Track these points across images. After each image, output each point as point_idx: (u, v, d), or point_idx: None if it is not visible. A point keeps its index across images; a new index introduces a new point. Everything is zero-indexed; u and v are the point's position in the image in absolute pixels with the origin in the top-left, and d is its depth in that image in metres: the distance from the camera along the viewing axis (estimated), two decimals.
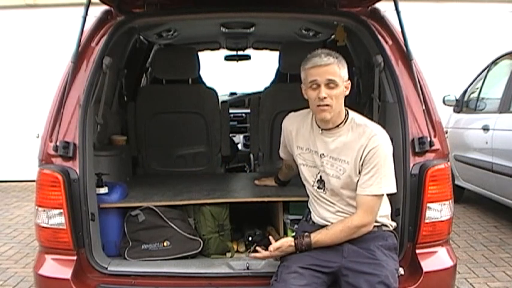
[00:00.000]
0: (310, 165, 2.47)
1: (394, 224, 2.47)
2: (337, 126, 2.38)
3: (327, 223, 2.42)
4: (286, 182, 3.11)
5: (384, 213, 2.42)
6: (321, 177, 2.43)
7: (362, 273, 2.26)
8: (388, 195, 2.41)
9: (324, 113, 2.32)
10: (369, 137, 2.31)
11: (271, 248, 2.42)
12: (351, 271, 2.30)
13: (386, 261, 2.31)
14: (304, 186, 2.56)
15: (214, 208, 2.92)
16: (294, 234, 2.69)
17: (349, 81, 2.39)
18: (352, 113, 2.43)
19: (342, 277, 2.32)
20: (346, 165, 2.34)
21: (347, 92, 2.37)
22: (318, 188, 2.45)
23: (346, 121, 2.39)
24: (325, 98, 2.28)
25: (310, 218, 2.54)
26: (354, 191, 2.36)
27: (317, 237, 2.36)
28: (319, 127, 2.42)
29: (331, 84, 2.29)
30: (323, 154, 2.40)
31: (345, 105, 2.41)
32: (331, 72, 2.29)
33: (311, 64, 2.32)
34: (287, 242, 2.42)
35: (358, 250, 2.33)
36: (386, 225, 2.43)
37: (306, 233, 2.40)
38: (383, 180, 2.30)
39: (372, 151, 2.29)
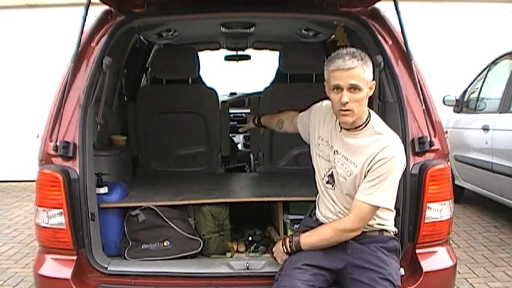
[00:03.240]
0: (325, 158, 2.45)
1: (395, 229, 2.45)
2: (356, 128, 2.34)
3: (327, 222, 2.42)
4: (263, 127, 3.29)
5: (386, 218, 2.40)
6: (332, 173, 2.42)
7: (367, 270, 2.27)
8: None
9: (346, 117, 2.27)
10: (381, 146, 2.26)
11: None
12: (355, 267, 2.31)
13: (389, 260, 2.32)
14: (314, 182, 2.55)
15: (214, 208, 2.93)
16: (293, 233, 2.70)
17: (373, 82, 2.29)
18: (374, 118, 2.37)
19: (346, 274, 2.33)
20: (354, 168, 2.32)
21: (371, 93, 2.30)
22: (327, 182, 2.44)
23: (366, 125, 2.33)
24: (347, 103, 2.22)
25: (314, 214, 2.55)
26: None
27: (305, 234, 2.39)
28: (339, 125, 2.39)
29: (353, 88, 2.22)
30: (337, 151, 2.38)
31: None
32: (354, 77, 2.20)
33: (334, 67, 2.23)
34: (279, 249, 2.47)
35: (361, 247, 2.34)
36: (387, 231, 2.42)
37: (295, 233, 2.45)
38: (384, 192, 2.26)
39: (381, 161, 2.24)
